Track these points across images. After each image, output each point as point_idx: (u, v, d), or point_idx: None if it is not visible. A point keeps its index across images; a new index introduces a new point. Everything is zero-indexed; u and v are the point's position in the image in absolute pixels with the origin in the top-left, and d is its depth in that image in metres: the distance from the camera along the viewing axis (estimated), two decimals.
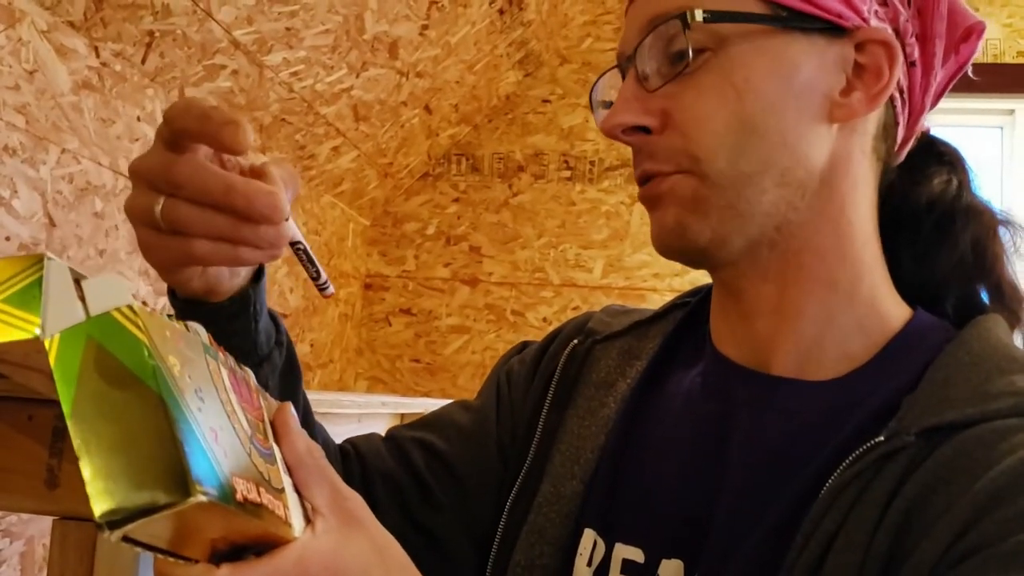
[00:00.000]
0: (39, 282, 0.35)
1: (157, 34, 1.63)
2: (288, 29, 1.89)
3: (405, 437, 0.74)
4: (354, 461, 0.72)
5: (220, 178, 0.49)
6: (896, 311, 0.60)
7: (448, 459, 0.72)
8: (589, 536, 0.61)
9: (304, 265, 0.56)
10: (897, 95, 0.60)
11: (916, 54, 0.60)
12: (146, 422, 0.34)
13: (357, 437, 0.75)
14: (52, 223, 1.48)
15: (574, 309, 2.87)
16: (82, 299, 0.35)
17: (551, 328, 2.67)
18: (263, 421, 0.45)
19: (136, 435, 0.33)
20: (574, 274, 2.89)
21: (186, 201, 0.49)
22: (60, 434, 0.61)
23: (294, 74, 2.04)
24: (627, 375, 0.67)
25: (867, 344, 0.59)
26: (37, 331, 0.34)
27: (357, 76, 2.24)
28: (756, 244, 0.58)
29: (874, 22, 0.58)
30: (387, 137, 2.63)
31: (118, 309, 0.36)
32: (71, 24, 1.48)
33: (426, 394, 2.94)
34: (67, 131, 1.49)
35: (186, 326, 0.42)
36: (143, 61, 1.67)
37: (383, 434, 0.77)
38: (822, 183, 0.58)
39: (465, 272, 2.96)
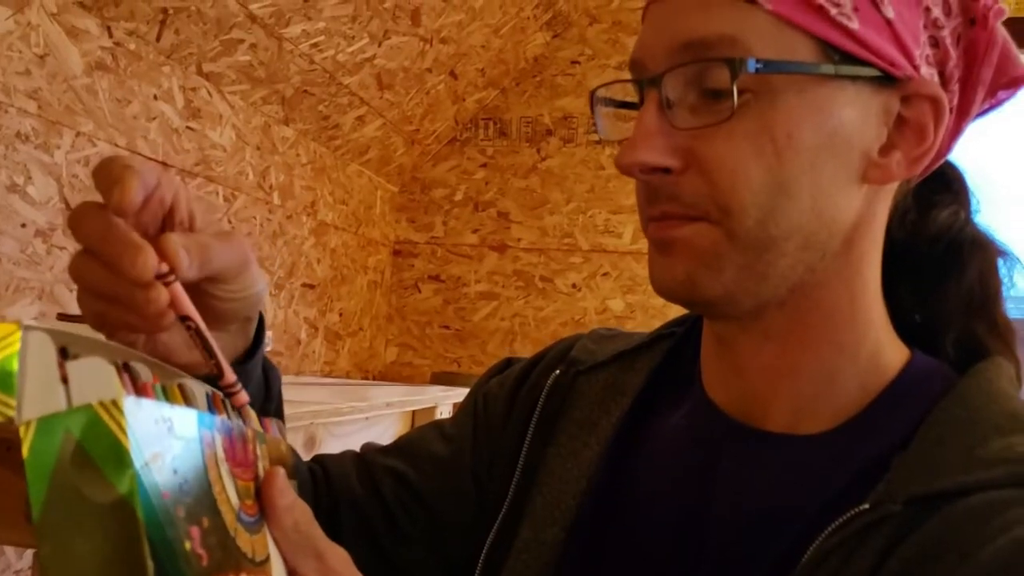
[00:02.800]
0: (12, 358, 0.32)
1: (171, 11, 1.61)
2: (306, 1, 1.85)
3: (377, 464, 0.72)
4: (322, 485, 0.70)
5: (101, 227, 0.43)
6: (893, 356, 0.56)
7: (420, 491, 0.70)
8: None
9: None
10: None
11: (955, 100, 0.55)
12: (119, 540, 0.32)
13: (329, 457, 0.73)
14: (68, 207, 1.48)
15: (603, 275, 2.84)
16: (65, 382, 0.33)
17: (580, 295, 2.64)
18: (256, 479, 0.44)
19: (107, 555, 0.31)
20: (603, 239, 2.85)
21: (85, 253, 0.45)
22: None
23: (314, 45, 2.01)
24: (610, 413, 0.64)
25: (862, 394, 0.55)
26: (11, 414, 0.32)
27: (379, 45, 2.21)
28: (766, 304, 0.54)
29: (924, 68, 0.52)
30: (412, 104, 2.60)
31: (102, 403, 0.32)
32: (82, 4, 1.46)
33: (456, 361, 2.94)
34: (81, 114, 1.49)
35: (182, 389, 0.40)
36: (158, 39, 1.65)
37: (359, 450, 0.75)
38: (843, 244, 0.54)
39: (493, 238, 2.93)
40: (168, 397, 0.38)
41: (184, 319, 0.45)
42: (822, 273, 0.54)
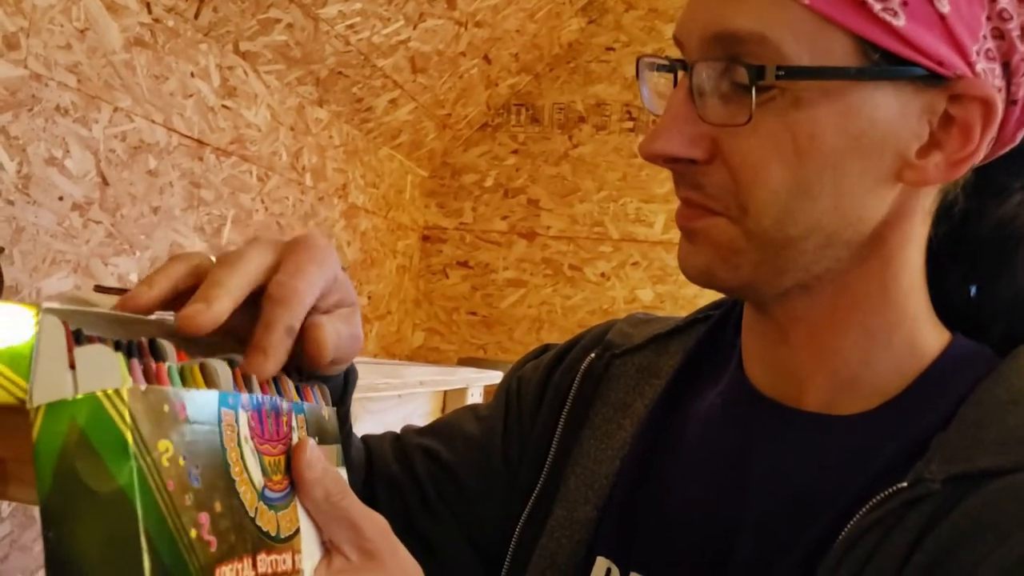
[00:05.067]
0: (32, 340, 0.33)
1: None
2: None
3: (412, 443, 0.72)
4: (363, 463, 0.71)
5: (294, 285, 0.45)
6: (932, 341, 0.55)
7: (452, 469, 0.70)
8: (601, 565, 0.59)
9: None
10: None
11: (1021, 93, 0.52)
12: (118, 533, 0.32)
13: (369, 437, 0.74)
14: (105, 182, 1.48)
15: (633, 264, 2.83)
16: (73, 368, 0.33)
17: (609, 284, 2.62)
18: (287, 451, 0.43)
19: (106, 545, 0.32)
20: (634, 229, 2.83)
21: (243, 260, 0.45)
22: None
23: (350, 27, 2.00)
24: (645, 395, 0.64)
25: (900, 377, 0.55)
26: (24, 396, 0.32)
27: (414, 27, 2.20)
28: (789, 290, 0.54)
29: (982, 64, 0.49)
30: (445, 88, 2.60)
31: (105, 392, 0.33)
32: None
33: (482, 347, 2.93)
34: (119, 89, 1.49)
35: (204, 367, 0.40)
36: (196, 16, 1.65)
37: (398, 431, 0.76)
38: (872, 240, 0.52)
39: (523, 225, 2.92)
40: (185, 380, 0.38)
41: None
42: (849, 262, 0.53)
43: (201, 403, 0.37)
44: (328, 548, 0.43)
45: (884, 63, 0.48)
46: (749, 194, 0.50)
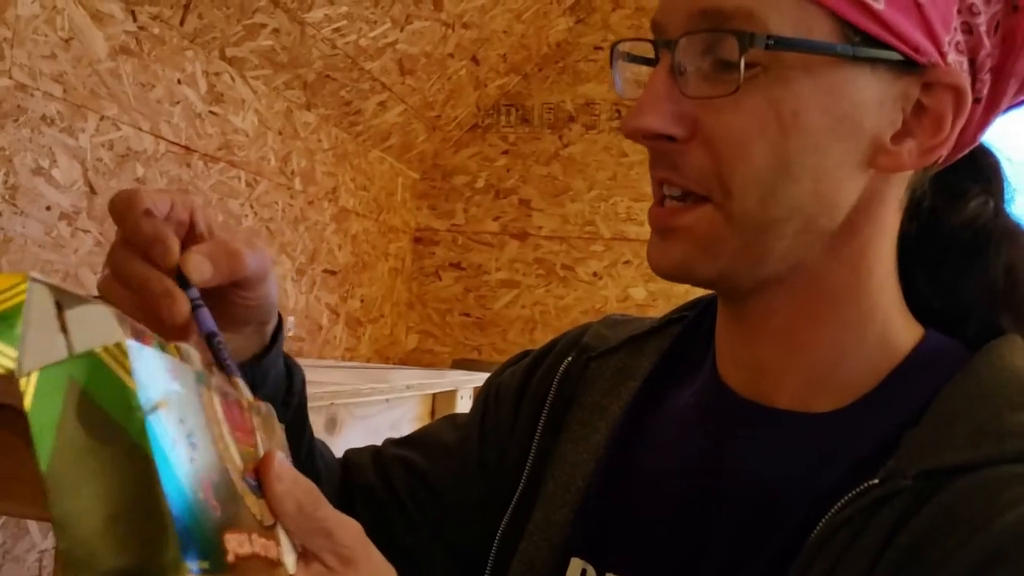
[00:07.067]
0: (19, 308, 0.31)
1: None
2: None
3: (390, 454, 0.73)
4: (345, 478, 0.72)
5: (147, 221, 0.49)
6: (905, 336, 0.55)
7: (428, 478, 0.71)
8: (576, 565, 0.59)
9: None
10: None
11: (985, 91, 0.53)
12: (133, 485, 0.31)
13: (352, 451, 0.75)
14: (93, 191, 1.48)
15: (625, 263, 2.83)
16: (64, 331, 0.32)
17: (601, 283, 2.62)
18: (255, 446, 0.43)
19: (121, 499, 0.30)
20: (625, 227, 2.84)
21: (125, 245, 0.49)
22: None
23: (336, 30, 2.01)
24: (620, 397, 0.64)
25: (872, 373, 0.55)
26: (12, 366, 0.30)
27: (401, 30, 2.20)
28: (765, 282, 0.54)
29: (952, 56, 0.50)
30: (434, 90, 2.60)
31: (105, 348, 0.32)
32: None
33: (476, 348, 2.94)
34: (106, 98, 1.49)
35: (177, 348, 0.40)
36: (181, 23, 1.65)
37: (383, 440, 0.77)
38: (844, 227, 0.53)
39: (514, 226, 2.93)
40: (165, 351, 0.37)
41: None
42: (822, 253, 0.53)
43: (184, 375, 0.37)
44: (302, 553, 0.43)
45: (864, 46, 0.49)
46: (732, 172, 0.50)
